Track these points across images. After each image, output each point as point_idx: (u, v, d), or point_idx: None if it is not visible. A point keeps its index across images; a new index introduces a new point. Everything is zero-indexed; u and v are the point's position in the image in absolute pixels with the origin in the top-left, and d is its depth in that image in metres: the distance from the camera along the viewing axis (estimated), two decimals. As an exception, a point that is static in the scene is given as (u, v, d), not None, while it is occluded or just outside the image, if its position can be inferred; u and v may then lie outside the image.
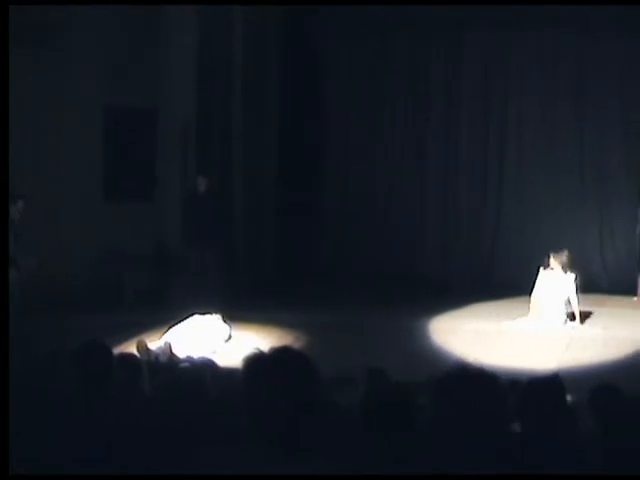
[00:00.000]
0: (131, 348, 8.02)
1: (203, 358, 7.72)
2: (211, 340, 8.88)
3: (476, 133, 12.63)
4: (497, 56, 12.46)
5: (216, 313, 9.21)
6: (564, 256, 9.80)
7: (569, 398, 3.81)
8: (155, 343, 8.52)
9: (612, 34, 11.82)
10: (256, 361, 2.44)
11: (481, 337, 9.26)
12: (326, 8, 12.29)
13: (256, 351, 2.68)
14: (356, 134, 12.89)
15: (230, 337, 9.17)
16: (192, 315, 9.08)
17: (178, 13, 11.36)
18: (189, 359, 7.93)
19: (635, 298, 11.25)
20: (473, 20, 12.08)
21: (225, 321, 9.23)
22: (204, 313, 9.16)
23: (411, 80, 12.72)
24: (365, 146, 12.86)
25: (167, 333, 8.74)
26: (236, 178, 12.18)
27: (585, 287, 10.03)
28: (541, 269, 9.84)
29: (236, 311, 9.58)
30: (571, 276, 9.73)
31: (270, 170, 12.65)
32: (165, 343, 8.50)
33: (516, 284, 10.62)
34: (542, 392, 3.41)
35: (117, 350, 6.48)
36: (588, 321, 9.94)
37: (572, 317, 9.82)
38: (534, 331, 9.48)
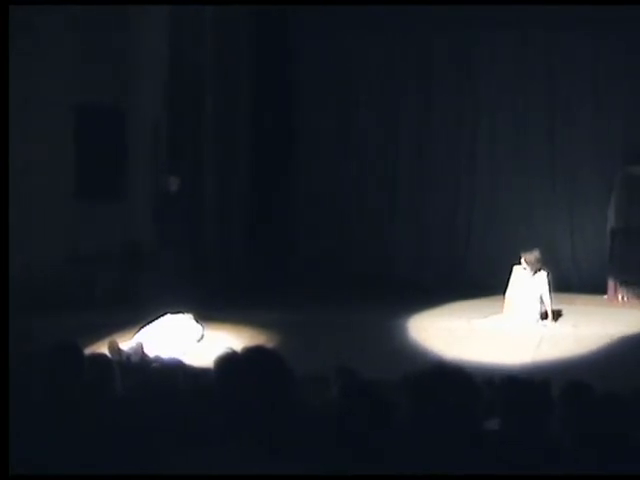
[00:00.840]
0: (103, 348, 7.97)
1: (175, 358, 7.69)
2: (183, 340, 8.84)
3: (448, 134, 12.67)
4: (469, 58, 12.50)
5: (188, 312, 9.18)
6: (535, 255, 9.89)
7: (542, 395, 3.83)
8: (127, 343, 8.47)
9: (584, 37, 11.93)
10: (230, 361, 2.42)
11: (454, 335, 9.30)
12: (299, 7, 12.26)
13: (229, 351, 2.66)
14: (330, 135, 12.88)
15: (202, 337, 9.13)
16: (164, 315, 9.03)
17: (149, 12, 11.29)
18: (160, 359, 7.90)
19: (605, 297, 11.35)
20: (446, 22, 12.13)
21: (197, 321, 9.19)
22: (176, 312, 9.12)
23: (383, 83, 12.73)
24: (338, 147, 12.85)
25: (139, 333, 8.69)
26: (207, 177, 12.14)
27: (556, 286, 10.10)
28: (515, 267, 9.92)
29: (208, 311, 9.55)
30: (543, 274, 9.82)
31: (242, 170, 12.62)
32: (137, 343, 8.45)
33: (489, 283, 10.67)
34: (517, 389, 3.43)
35: (89, 350, 6.43)
36: (559, 319, 10.02)
37: (544, 315, 9.89)
38: (506, 329, 9.54)
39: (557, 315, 10.07)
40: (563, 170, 12.34)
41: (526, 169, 12.35)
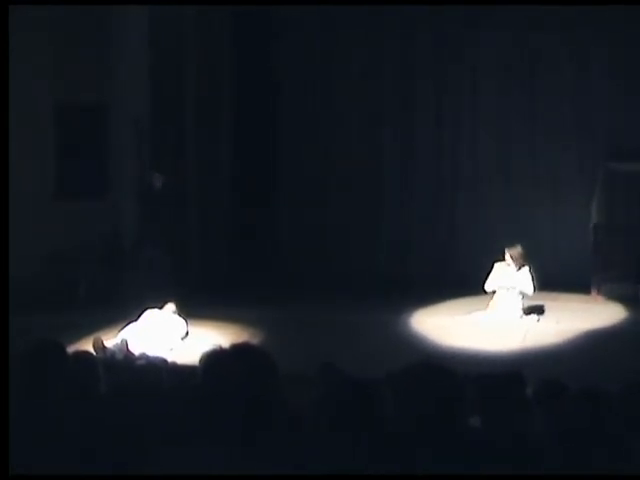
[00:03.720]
0: (87, 346, 7.95)
1: (159, 355, 7.68)
2: (168, 337, 8.83)
3: (432, 133, 12.68)
4: (450, 54, 12.51)
5: (169, 303, 9.11)
6: (519, 250, 9.93)
7: (525, 391, 3.85)
8: (111, 341, 8.45)
9: (566, 36, 11.99)
10: (216, 358, 2.42)
11: (439, 332, 9.33)
12: (281, 7, 12.24)
13: (215, 348, 2.66)
14: (313, 133, 12.85)
15: (187, 333, 9.12)
16: (145, 310, 8.99)
17: (130, 9, 11.25)
18: (145, 356, 7.89)
19: (588, 293, 11.39)
20: (425, 19, 12.17)
21: (180, 314, 9.14)
22: (156, 307, 9.06)
23: (366, 79, 12.72)
24: (322, 144, 12.83)
25: (123, 330, 8.67)
26: (191, 174, 12.11)
27: (539, 282, 10.13)
28: (496, 264, 9.96)
29: (192, 308, 9.52)
30: (525, 270, 9.87)
31: (225, 166, 12.60)
32: (121, 340, 8.44)
33: (473, 280, 10.67)
34: (500, 385, 3.44)
35: (73, 348, 6.41)
36: (543, 315, 10.06)
37: (527, 311, 9.94)
38: (490, 325, 9.58)
39: (541, 311, 10.11)
40: (546, 167, 12.38)
41: (509, 166, 12.39)
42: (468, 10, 11.70)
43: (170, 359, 7.28)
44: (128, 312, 9.05)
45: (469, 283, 10.77)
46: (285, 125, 12.99)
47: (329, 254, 12.57)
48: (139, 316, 8.93)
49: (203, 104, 12.12)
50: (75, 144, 11.15)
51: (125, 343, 8.38)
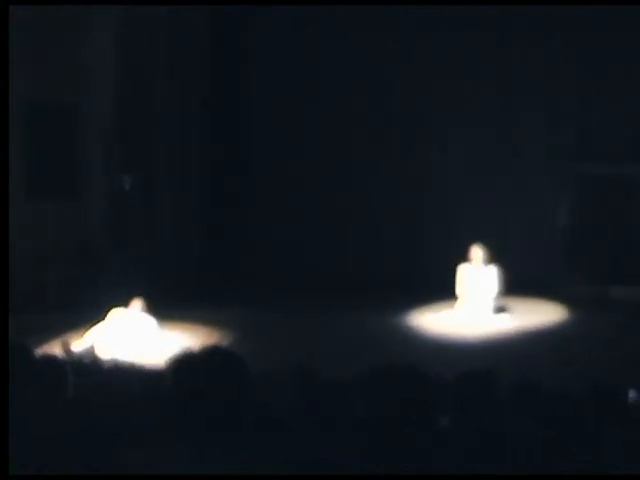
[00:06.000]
0: (54, 349, 7.88)
1: (128, 358, 7.64)
2: (137, 339, 8.78)
3: (402, 135, 12.72)
4: (423, 50, 12.55)
5: (136, 300, 9.04)
6: (481, 250, 10.03)
7: (493, 390, 3.86)
8: (79, 343, 8.39)
9: (537, 35, 12.10)
10: (186, 360, 2.41)
11: (408, 332, 9.37)
12: (255, 7, 12.23)
13: (186, 350, 2.65)
14: (286, 132, 12.84)
15: (157, 336, 9.07)
16: (111, 309, 8.91)
17: (102, 10, 11.18)
18: (114, 359, 7.85)
19: (556, 293, 11.47)
20: (403, 17, 12.24)
21: (147, 311, 9.06)
22: (123, 305, 8.98)
23: (339, 75, 12.73)
24: (295, 144, 12.82)
25: (91, 333, 8.61)
26: (161, 176, 12.07)
27: (508, 283, 10.21)
28: (460, 265, 10.04)
29: (162, 310, 9.48)
30: (492, 269, 9.96)
31: (196, 168, 12.56)
32: (89, 343, 8.38)
33: (442, 280, 10.72)
34: (470, 384, 3.46)
35: (40, 351, 6.35)
36: (511, 315, 10.14)
37: (496, 311, 10.03)
38: (459, 324, 9.64)
39: (509, 311, 10.19)
40: (515, 168, 12.45)
41: (479, 169, 12.45)
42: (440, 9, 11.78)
43: (139, 362, 7.24)
44: (97, 314, 8.99)
45: (438, 283, 10.82)
46: (258, 124, 12.96)
47: (300, 255, 12.56)
48: (105, 316, 8.86)
49: (175, 106, 12.07)
50: (44, 144, 11.08)
51: (93, 346, 8.33)
